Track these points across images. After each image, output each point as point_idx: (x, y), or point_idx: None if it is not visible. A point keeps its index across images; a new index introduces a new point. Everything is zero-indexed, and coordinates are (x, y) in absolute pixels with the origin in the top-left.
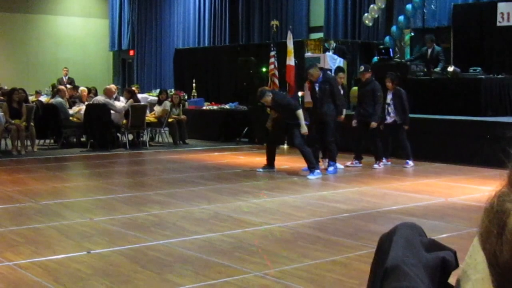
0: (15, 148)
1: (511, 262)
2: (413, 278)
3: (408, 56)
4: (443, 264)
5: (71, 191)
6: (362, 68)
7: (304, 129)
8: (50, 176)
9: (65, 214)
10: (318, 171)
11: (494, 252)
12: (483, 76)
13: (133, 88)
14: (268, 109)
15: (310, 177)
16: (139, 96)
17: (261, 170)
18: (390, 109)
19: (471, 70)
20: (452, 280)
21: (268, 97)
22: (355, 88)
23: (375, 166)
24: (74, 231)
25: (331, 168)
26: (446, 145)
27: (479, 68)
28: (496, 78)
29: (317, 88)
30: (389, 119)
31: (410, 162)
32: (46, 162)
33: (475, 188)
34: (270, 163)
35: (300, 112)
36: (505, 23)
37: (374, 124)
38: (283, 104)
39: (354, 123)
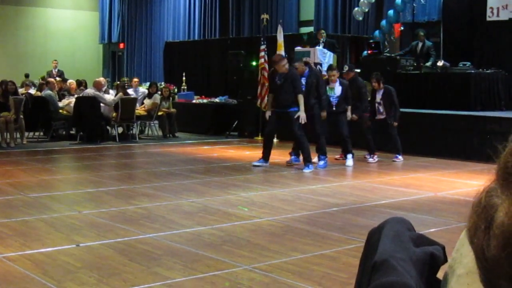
0: (4, 140)
1: (499, 257)
2: (401, 273)
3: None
4: (431, 258)
5: (60, 183)
6: (346, 67)
7: (303, 115)
8: (39, 169)
9: (54, 207)
10: (312, 165)
11: (481, 246)
12: (472, 71)
13: (125, 82)
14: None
15: (306, 170)
16: (140, 90)
17: (258, 163)
18: (381, 107)
19: (461, 65)
20: (440, 274)
21: (285, 65)
22: None
23: (370, 159)
24: (63, 223)
25: (321, 162)
26: (435, 140)
27: (469, 63)
28: (485, 73)
29: (303, 82)
30: (379, 116)
31: (400, 157)
32: (35, 154)
33: (464, 183)
34: (266, 157)
35: (301, 97)
36: (494, 18)
37: (354, 117)
38: (294, 79)
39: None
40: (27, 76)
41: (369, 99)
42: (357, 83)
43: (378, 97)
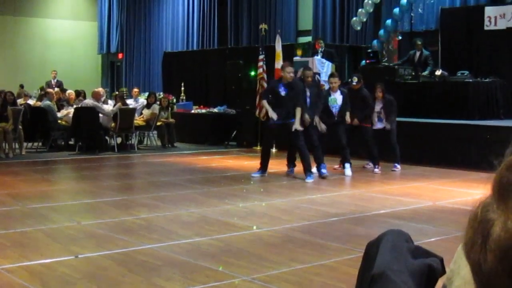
0: (2, 151)
1: (495, 271)
2: (399, 285)
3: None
4: (429, 270)
5: (59, 194)
6: (356, 78)
7: (299, 128)
8: (38, 179)
9: (52, 218)
10: (313, 174)
11: (478, 261)
12: (470, 80)
13: (124, 92)
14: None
15: (308, 180)
16: (140, 100)
17: (256, 174)
18: (382, 116)
19: (459, 74)
20: (439, 285)
21: (290, 73)
22: None
23: (376, 170)
24: (62, 234)
25: (323, 170)
26: (434, 149)
27: (467, 72)
28: (483, 81)
29: (308, 94)
30: (379, 125)
31: (398, 166)
32: (34, 165)
33: (462, 192)
34: (264, 167)
35: (299, 110)
36: (492, 27)
37: (355, 121)
38: (298, 91)
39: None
40: (22, 86)
41: None
42: (363, 93)
43: (379, 107)
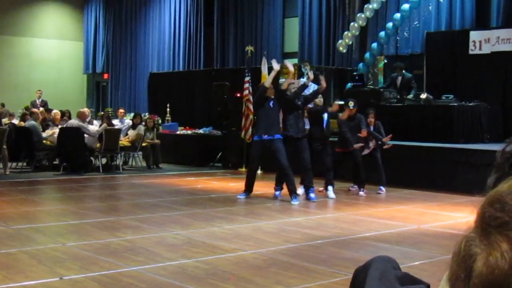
0: None
1: None
2: None
3: (381, 83)
4: None
5: (43, 215)
6: (352, 103)
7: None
8: (22, 200)
9: (37, 239)
10: (298, 196)
11: None
12: (455, 103)
13: (109, 113)
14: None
15: (294, 202)
16: (125, 121)
17: (242, 196)
18: (370, 142)
19: (444, 97)
20: None
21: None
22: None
23: (361, 193)
24: (46, 256)
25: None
26: (419, 172)
27: (452, 95)
28: (468, 105)
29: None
30: (366, 151)
31: (383, 189)
32: (18, 185)
33: (447, 215)
34: (249, 189)
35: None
36: (477, 51)
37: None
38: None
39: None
40: (3, 105)
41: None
42: (359, 118)
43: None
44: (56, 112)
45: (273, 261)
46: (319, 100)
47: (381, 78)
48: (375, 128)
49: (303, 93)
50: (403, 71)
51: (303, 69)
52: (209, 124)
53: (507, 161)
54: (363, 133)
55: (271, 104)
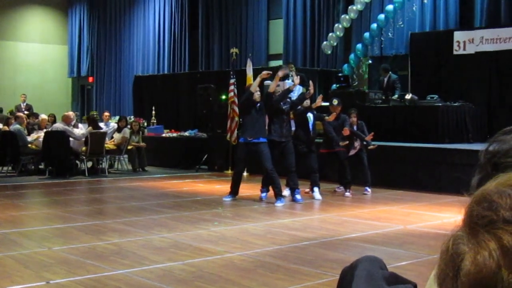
0: None
1: None
2: None
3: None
4: None
5: (29, 219)
6: (336, 101)
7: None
8: (7, 204)
9: (23, 243)
10: (283, 198)
11: None
12: (440, 104)
13: (95, 115)
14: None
15: (278, 204)
16: (110, 124)
17: (228, 198)
18: (356, 142)
19: (429, 98)
20: None
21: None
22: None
23: (347, 194)
24: (33, 260)
25: (298, 196)
26: (405, 172)
27: (436, 96)
28: (452, 105)
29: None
30: (352, 152)
31: (369, 190)
32: (3, 190)
33: (433, 215)
34: (235, 191)
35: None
36: (461, 52)
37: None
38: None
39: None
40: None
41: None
42: (343, 118)
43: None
44: (44, 117)
45: (260, 263)
46: (306, 102)
47: (366, 75)
48: (358, 128)
49: (289, 97)
50: (390, 72)
51: (288, 72)
52: (194, 127)
53: (489, 161)
54: (345, 131)
55: (257, 107)
